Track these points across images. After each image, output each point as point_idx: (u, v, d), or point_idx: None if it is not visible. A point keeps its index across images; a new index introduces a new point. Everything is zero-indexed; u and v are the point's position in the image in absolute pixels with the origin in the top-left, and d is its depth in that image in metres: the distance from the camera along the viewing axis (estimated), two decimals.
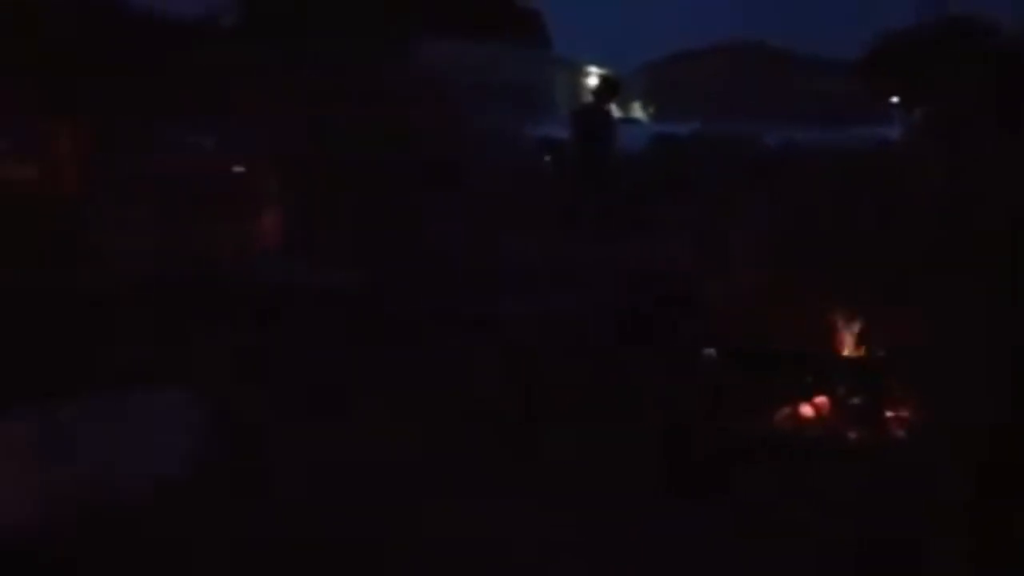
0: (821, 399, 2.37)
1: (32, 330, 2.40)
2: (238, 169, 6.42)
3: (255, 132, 5.95)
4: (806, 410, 2.35)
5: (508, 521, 1.73)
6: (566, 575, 1.59)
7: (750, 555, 1.66)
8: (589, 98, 11.37)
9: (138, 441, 1.50)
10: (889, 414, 2.29)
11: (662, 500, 1.84)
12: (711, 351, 2.66)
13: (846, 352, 2.53)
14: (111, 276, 3.09)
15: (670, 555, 1.65)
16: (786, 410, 2.31)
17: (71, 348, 2.19)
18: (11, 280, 2.78)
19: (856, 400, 2.35)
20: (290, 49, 6.73)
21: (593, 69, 14.15)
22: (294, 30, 7.12)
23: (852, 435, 2.24)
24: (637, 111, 13.47)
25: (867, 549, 1.67)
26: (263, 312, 2.97)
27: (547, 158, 9.15)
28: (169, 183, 3.99)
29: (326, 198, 4.41)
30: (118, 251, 3.35)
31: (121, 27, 5.31)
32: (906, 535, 1.68)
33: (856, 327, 2.51)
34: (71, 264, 3.23)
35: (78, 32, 4.76)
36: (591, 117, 6.39)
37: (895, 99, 12.23)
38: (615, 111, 6.89)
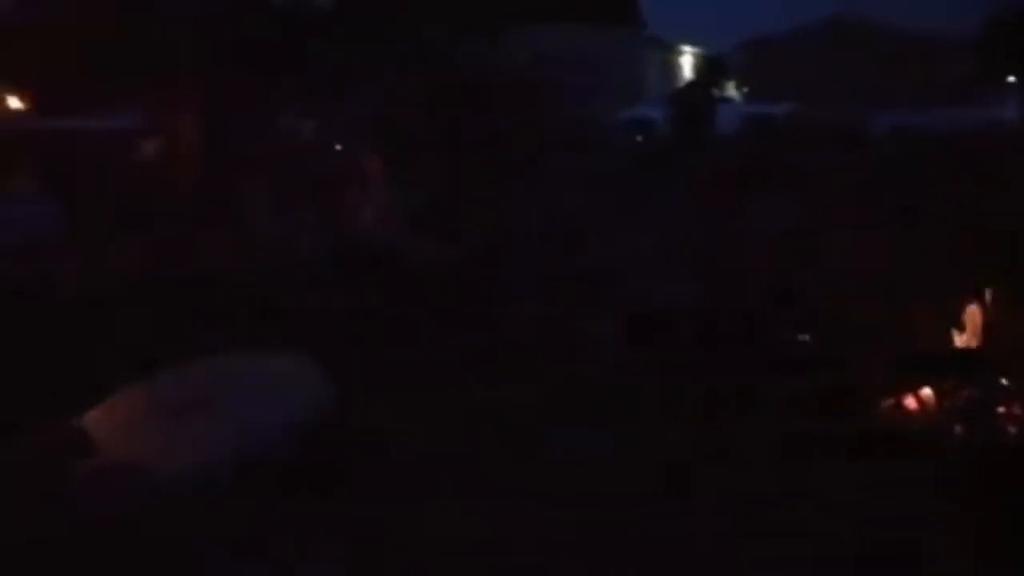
0: (926, 392, 2.32)
1: (169, 300, 2.62)
2: (338, 148, 6.68)
3: (362, 116, 6.19)
4: (911, 403, 2.30)
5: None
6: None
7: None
8: (684, 78, 11.16)
9: (272, 398, 1.63)
10: (1001, 410, 2.23)
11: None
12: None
13: (958, 344, 2.47)
14: (232, 252, 3.31)
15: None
16: (891, 403, 2.27)
17: (203, 315, 2.39)
18: (147, 253, 3.02)
19: (966, 394, 2.29)
20: (390, 34, 6.93)
21: (687, 48, 13.88)
22: (393, 15, 7.32)
23: (959, 430, 2.18)
24: (731, 90, 13.12)
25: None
26: (371, 281, 3.11)
27: (639, 138, 9.09)
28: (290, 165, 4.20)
29: (431, 177, 4.55)
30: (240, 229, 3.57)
31: (236, 18, 5.59)
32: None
33: (968, 319, 2.44)
34: (197, 238, 3.46)
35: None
36: (691, 98, 6.31)
37: (1011, 79, 11.52)
38: (716, 93, 6.78)
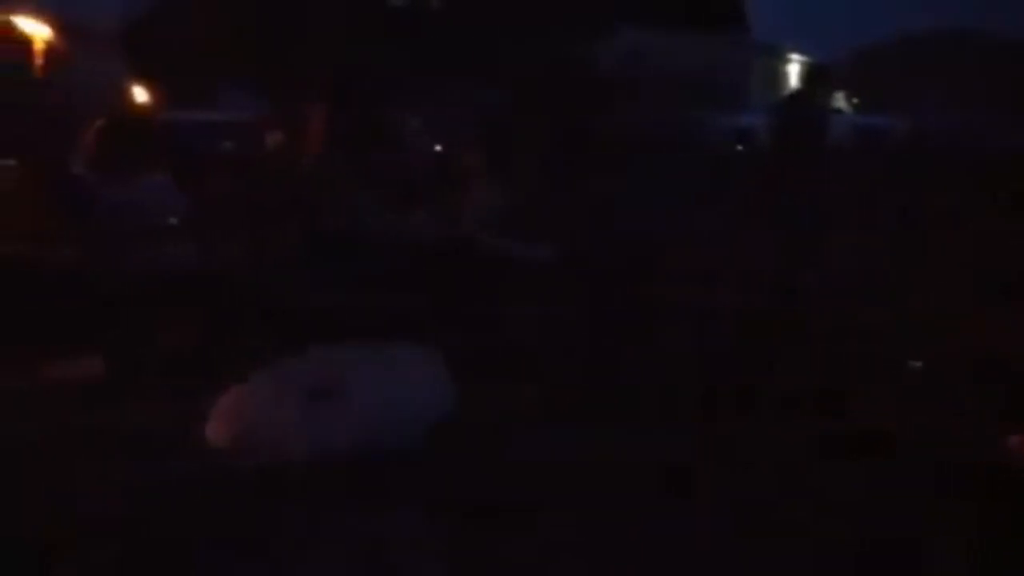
0: None
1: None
2: (438, 149, 6.82)
3: (460, 116, 6.31)
4: None
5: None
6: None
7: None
8: (790, 87, 10.82)
9: (401, 390, 1.68)
10: None
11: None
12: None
13: None
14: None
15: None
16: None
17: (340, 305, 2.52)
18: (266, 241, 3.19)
19: None
20: (489, 36, 7.03)
21: (795, 56, 13.47)
22: (492, 18, 7.42)
23: None
24: (840, 101, 12.63)
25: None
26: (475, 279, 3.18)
27: (739, 147, 8.89)
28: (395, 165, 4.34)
29: (528, 177, 4.60)
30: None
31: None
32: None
33: None
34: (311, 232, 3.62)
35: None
36: (798, 109, 6.13)
37: None
38: (829, 103, 6.55)
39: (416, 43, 6.43)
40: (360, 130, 3.93)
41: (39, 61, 5.03)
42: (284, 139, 5.17)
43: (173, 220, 3.77)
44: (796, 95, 6.73)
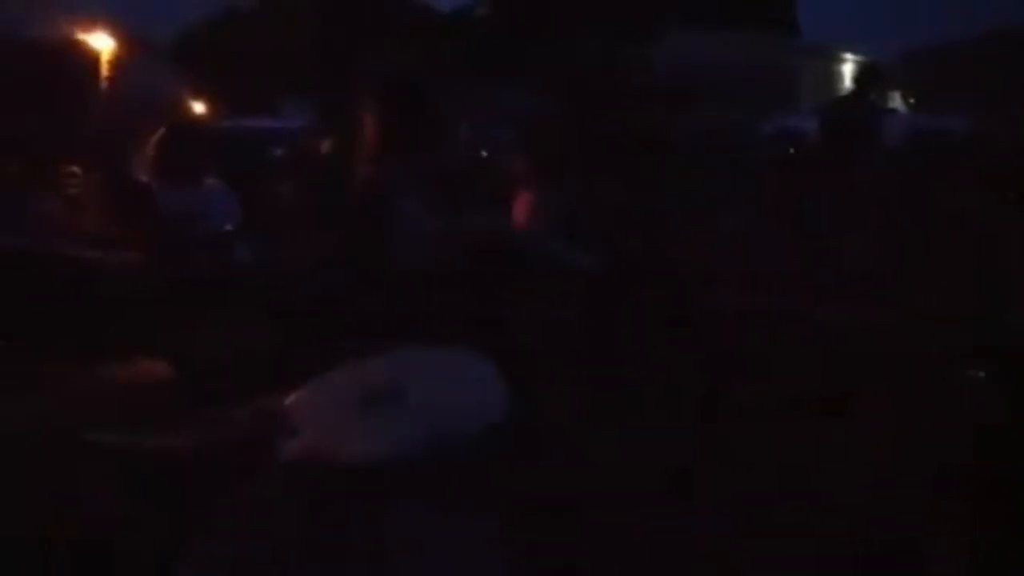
0: None
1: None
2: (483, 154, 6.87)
3: (507, 121, 6.34)
4: None
5: None
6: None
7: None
8: (841, 88, 10.62)
9: (465, 397, 1.70)
10: None
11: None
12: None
13: None
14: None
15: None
16: None
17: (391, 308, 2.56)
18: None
19: None
20: (538, 40, 7.05)
21: (847, 56, 13.21)
22: (542, 22, 7.44)
23: None
24: (896, 101, 12.31)
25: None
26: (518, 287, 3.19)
27: (791, 150, 8.75)
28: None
29: (579, 183, 4.59)
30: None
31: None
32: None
33: None
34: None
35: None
36: (849, 110, 6.02)
37: None
38: (882, 103, 6.42)
39: (464, 48, 6.49)
40: (411, 135, 3.98)
41: (104, 72, 5.21)
42: (339, 145, 5.27)
43: (230, 225, 3.88)
44: (848, 96, 6.62)
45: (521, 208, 4.63)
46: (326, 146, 5.33)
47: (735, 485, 1.88)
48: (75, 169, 4.02)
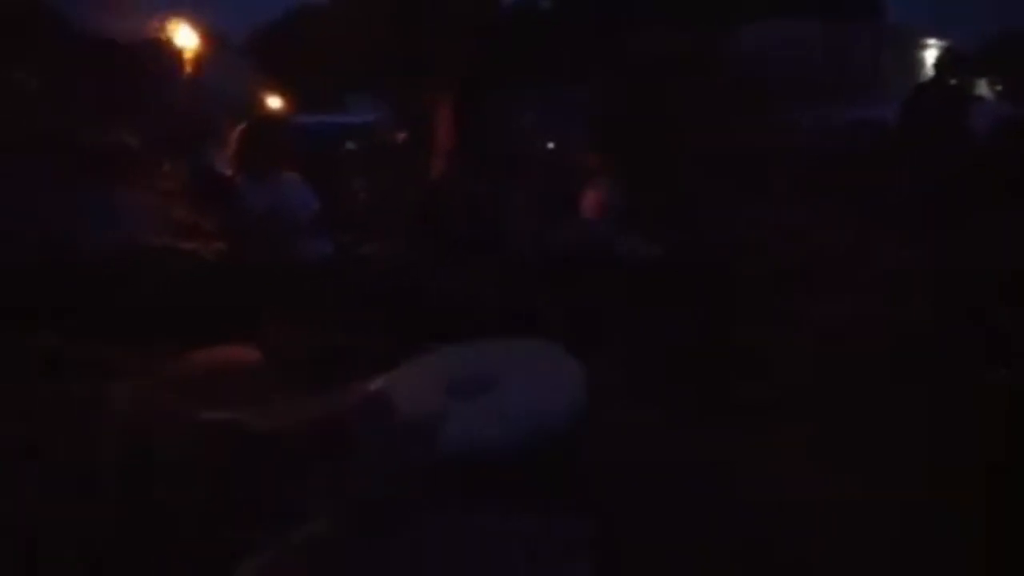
0: None
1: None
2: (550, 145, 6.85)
3: (575, 113, 6.31)
4: None
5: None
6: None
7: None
8: (926, 74, 10.22)
9: (554, 386, 1.71)
10: None
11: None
12: None
13: None
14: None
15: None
16: None
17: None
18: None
19: None
20: (607, 32, 6.98)
21: (931, 41, 12.66)
22: (611, 13, 7.37)
23: None
24: (982, 88, 11.72)
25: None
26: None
27: (868, 141, 8.45)
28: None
29: (647, 174, 4.56)
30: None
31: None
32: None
33: None
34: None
35: None
36: (933, 97, 5.79)
37: None
38: (968, 91, 6.15)
39: (533, 39, 6.48)
40: (483, 129, 4.02)
41: (187, 69, 5.40)
42: (411, 139, 5.36)
43: (308, 217, 3.98)
44: (929, 83, 6.35)
45: (591, 200, 4.62)
46: (398, 140, 5.42)
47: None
48: (163, 165, 4.18)
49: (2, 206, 3.13)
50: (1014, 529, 1.71)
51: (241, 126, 4.19)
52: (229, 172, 4.03)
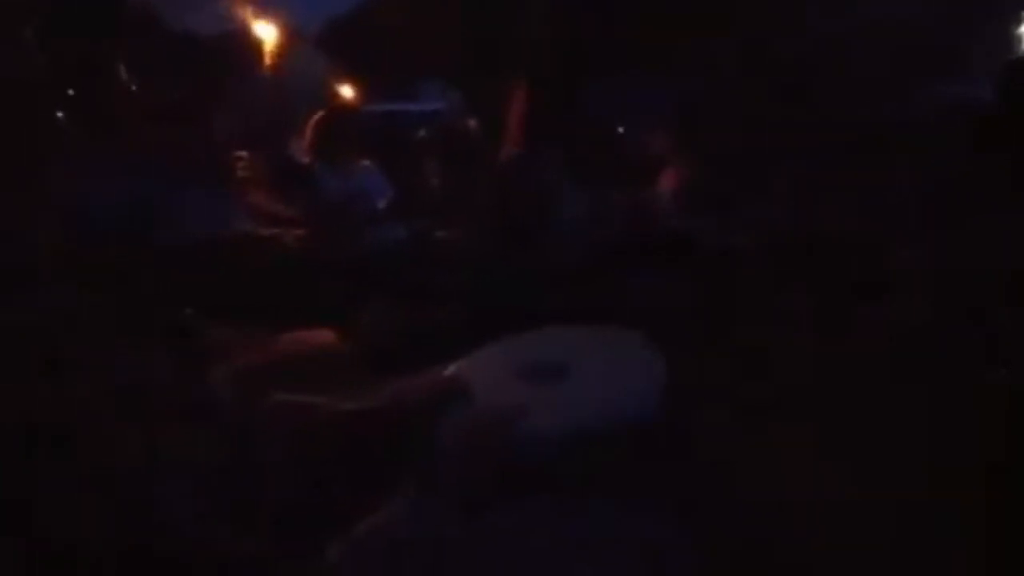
0: None
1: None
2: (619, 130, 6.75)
3: (648, 97, 6.20)
4: None
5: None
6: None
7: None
8: (1021, 48, 9.67)
9: (619, 372, 1.69)
10: None
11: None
12: None
13: None
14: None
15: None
16: None
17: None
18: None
19: None
20: (684, 16, 6.82)
21: None
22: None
23: None
24: None
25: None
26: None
27: (961, 121, 8.05)
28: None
29: (732, 161, 4.45)
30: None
31: None
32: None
33: None
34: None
35: None
36: None
37: None
38: None
39: (608, 23, 6.38)
40: (555, 116, 3.99)
41: (268, 61, 5.54)
42: (482, 126, 5.37)
43: (383, 204, 4.05)
44: None
45: (666, 185, 4.54)
46: (471, 128, 5.45)
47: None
48: (243, 154, 4.31)
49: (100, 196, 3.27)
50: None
51: (316, 116, 4.29)
52: (306, 161, 4.13)
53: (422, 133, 6.69)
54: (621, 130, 7.18)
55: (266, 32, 5.96)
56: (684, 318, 2.73)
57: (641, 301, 2.76)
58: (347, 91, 7.85)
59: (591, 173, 4.89)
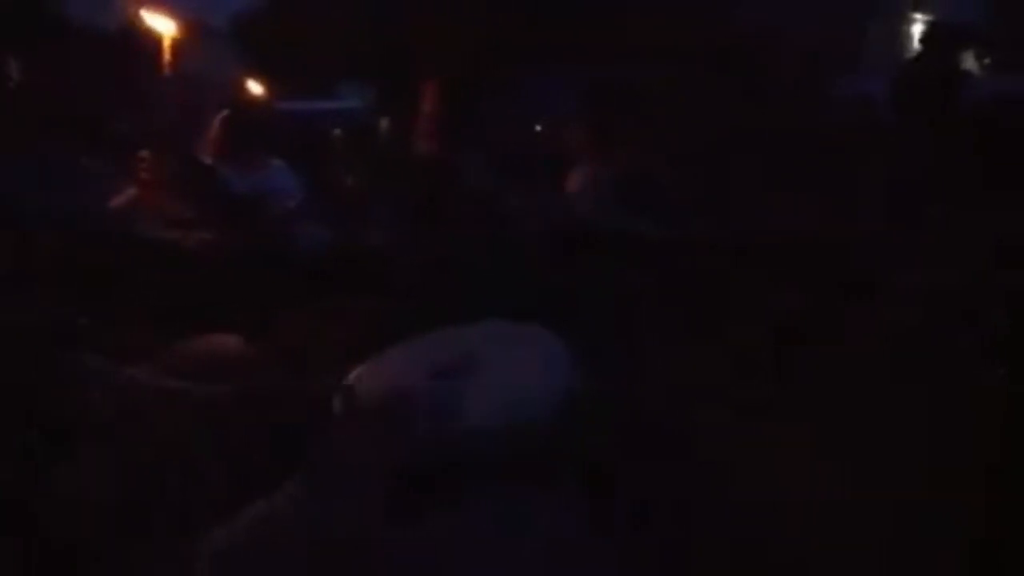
0: None
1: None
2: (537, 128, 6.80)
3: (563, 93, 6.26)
4: None
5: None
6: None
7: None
8: (913, 50, 10.18)
9: (541, 366, 1.68)
10: None
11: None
12: None
13: None
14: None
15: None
16: None
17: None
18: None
19: None
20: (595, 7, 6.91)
21: (918, 16, 12.63)
22: None
23: None
24: (969, 62, 11.70)
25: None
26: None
27: (855, 117, 8.42)
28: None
29: (637, 155, 4.52)
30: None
31: None
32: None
33: None
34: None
35: None
36: (922, 71, 5.77)
37: None
38: (956, 65, 6.12)
39: (517, 22, 6.40)
40: (470, 112, 3.97)
41: (168, 56, 5.32)
42: (398, 124, 5.31)
43: (292, 204, 3.94)
44: (917, 57, 6.32)
45: (577, 179, 4.57)
46: (385, 125, 5.38)
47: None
48: (145, 153, 4.12)
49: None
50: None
51: (222, 114, 4.14)
52: (210, 160, 3.98)
53: (337, 131, 6.59)
54: (539, 128, 7.24)
55: (171, 28, 5.73)
56: (601, 312, 2.75)
57: (560, 296, 2.77)
58: (259, 88, 7.64)
59: (510, 169, 4.90)
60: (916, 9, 13.37)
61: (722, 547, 1.57)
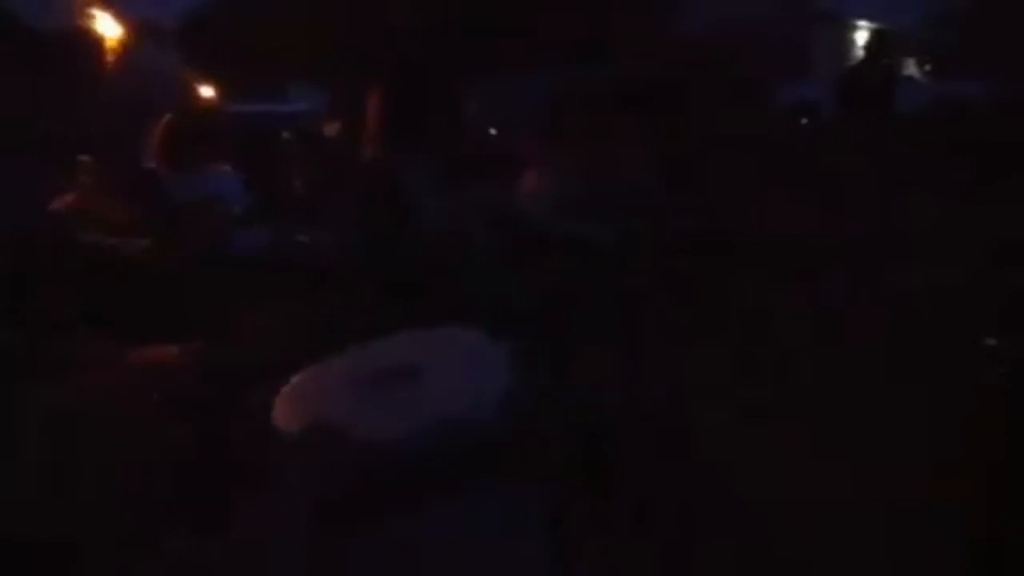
0: None
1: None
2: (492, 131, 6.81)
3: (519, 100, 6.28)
4: None
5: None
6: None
7: None
8: (856, 55, 10.45)
9: (481, 369, 1.68)
10: None
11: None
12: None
13: None
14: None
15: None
16: None
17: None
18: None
19: None
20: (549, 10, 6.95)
21: (862, 23, 12.98)
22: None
23: None
24: (911, 68, 12.07)
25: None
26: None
27: (804, 121, 8.62)
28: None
29: (587, 160, 4.54)
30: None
31: None
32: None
33: None
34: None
35: None
36: (865, 76, 5.94)
37: None
38: (897, 71, 6.31)
39: (469, 26, 6.40)
40: (418, 116, 3.94)
41: (110, 58, 5.20)
42: (345, 128, 5.26)
43: (238, 208, 3.88)
44: (860, 63, 6.50)
45: (529, 184, 4.59)
46: (332, 129, 5.33)
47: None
48: (85, 157, 4.02)
49: None
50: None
51: (165, 118, 4.05)
52: (153, 165, 3.90)
53: (285, 135, 6.51)
54: (493, 131, 7.24)
55: (116, 28, 5.59)
56: (550, 316, 2.77)
57: (506, 300, 2.77)
58: (207, 91, 7.50)
59: (461, 173, 4.88)
60: (860, 17, 13.82)
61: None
